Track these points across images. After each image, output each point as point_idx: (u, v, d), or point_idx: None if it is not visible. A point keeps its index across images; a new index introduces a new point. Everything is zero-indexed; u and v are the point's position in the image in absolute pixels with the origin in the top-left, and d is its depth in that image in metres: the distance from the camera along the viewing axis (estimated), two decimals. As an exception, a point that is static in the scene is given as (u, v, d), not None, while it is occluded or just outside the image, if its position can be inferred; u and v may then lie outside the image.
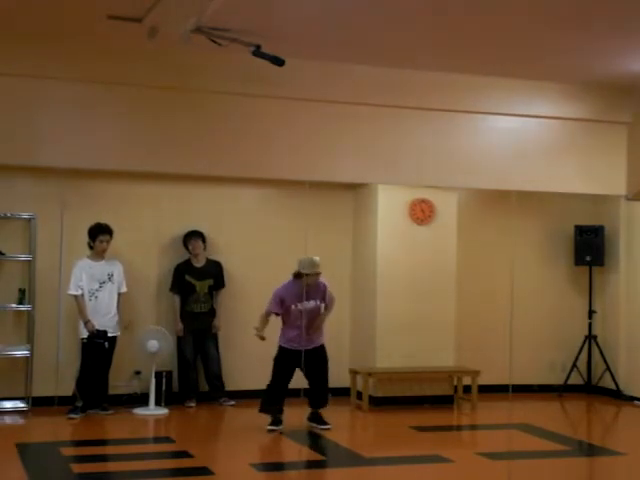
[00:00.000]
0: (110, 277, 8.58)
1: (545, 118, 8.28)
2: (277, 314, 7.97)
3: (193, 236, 9.17)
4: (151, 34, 6.24)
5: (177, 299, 9.17)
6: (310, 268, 7.89)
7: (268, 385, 7.99)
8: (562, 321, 10.43)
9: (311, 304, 7.97)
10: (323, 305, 8.06)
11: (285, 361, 7.94)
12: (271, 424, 7.88)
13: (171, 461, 7.05)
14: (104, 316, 8.48)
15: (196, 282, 9.16)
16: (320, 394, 8.09)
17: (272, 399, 7.94)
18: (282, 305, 7.91)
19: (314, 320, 7.99)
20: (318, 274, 7.94)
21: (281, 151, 7.54)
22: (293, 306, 7.90)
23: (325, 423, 8.05)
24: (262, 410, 7.97)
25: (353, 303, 9.74)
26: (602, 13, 6.26)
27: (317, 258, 7.97)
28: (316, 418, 8.07)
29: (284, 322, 7.99)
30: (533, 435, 8.15)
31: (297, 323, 7.90)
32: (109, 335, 8.46)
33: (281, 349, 7.98)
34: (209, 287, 9.23)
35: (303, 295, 7.92)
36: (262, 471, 6.66)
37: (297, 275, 7.94)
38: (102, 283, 8.54)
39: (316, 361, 8.02)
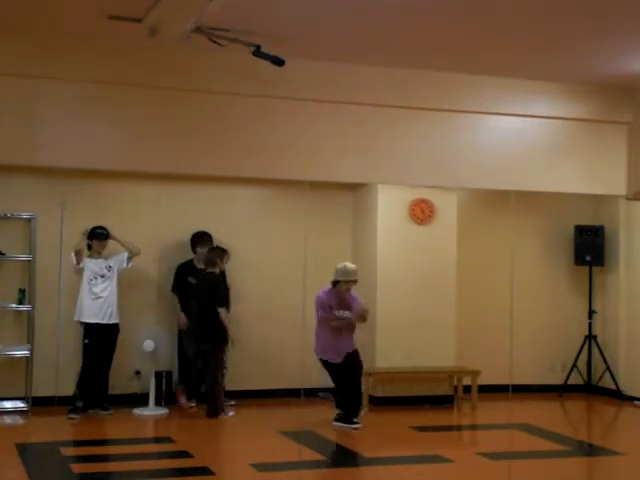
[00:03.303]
0: (109, 269, 8.60)
1: (545, 118, 8.27)
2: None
3: (201, 242, 9.11)
4: (151, 34, 6.23)
5: (176, 298, 9.16)
6: (342, 276, 8.14)
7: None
8: (562, 321, 10.43)
9: (341, 314, 8.25)
10: (351, 316, 8.27)
11: (327, 370, 8.33)
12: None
13: (171, 461, 7.05)
14: (106, 312, 8.50)
15: (198, 284, 9.16)
16: (354, 402, 8.29)
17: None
18: (328, 307, 8.22)
19: (344, 331, 8.24)
20: (348, 282, 8.16)
21: (281, 151, 7.53)
22: (337, 313, 8.21)
23: (354, 422, 8.21)
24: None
25: (353, 303, 9.74)
26: (602, 13, 6.25)
27: (352, 266, 8.24)
28: (343, 418, 8.24)
29: (321, 328, 8.26)
30: (533, 435, 8.16)
31: (334, 329, 8.20)
32: (112, 323, 8.55)
33: (320, 361, 8.35)
34: (210, 288, 9.23)
35: (338, 303, 8.23)
36: (262, 471, 6.66)
37: (334, 282, 8.22)
38: (102, 277, 8.56)
39: (351, 368, 8.27)
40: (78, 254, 8.51)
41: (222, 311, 8.45)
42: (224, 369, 8.69)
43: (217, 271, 8.61)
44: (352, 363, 8.27)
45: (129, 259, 8.69)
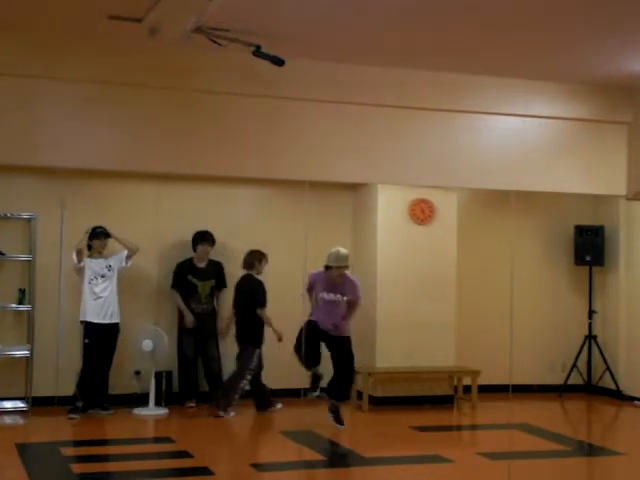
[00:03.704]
0: (109, 268, 8.60)
1: (545, 118, 8.27)
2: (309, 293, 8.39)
3: (203, 241, 9.13)
4: (151, 34, 6.23)
5: (177, 296, 9.17)
6: (334, 261, 8.13)
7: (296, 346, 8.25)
8: (562, 321, 10.43)
9: (331, 297, 8.19)
10: (344, 300, 8.21)
11: (310, 331, 8.11)
12: (311, 389, 8.16)
13: (171, 461, 7.05)
14: (107, 312, 8.51)
15: (198, 282, 9.16)
16: (339, 386, 8.24)
17: (305, 358, 8.12)
18: (312, 288, 8.30)
19: (332, 313, 8.17)
20: (340, 268, 8.14)
21: (281, 151, 7.53)
22: (320, 294, 8.22)
23: (340, 422, 8.15)
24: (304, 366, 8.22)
25: (353, 303, 9.74)
26: (602, 13, 6.25)
27: (344, 252, 8.22)
28: (335, 412, 8.19)
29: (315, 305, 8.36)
30: (533, 435, 8.16)
31: (321, 311, 8.20)
32: (112, 322, 8.55)
33: (308, 322, 8.20)
34: (211, 288, 9.23)
35: (328, 286, 8.20)
36: (262, 471, 6.66)
37: (326, 267, 8.20)
38: (102, 277, 8.56)
39: (339, 350, 8.25)
40: (79, 253, 8.52)
41: (262, 312, 8.69)
42: (249, 371, 8.68)
43: (255, 273, 8.81)
44: (340, 349, 8.24)
45: (128, 258, 8.70)
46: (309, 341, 8.10)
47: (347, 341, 8.29)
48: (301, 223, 8.89)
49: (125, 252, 8.68)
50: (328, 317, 8.18)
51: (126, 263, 8.70)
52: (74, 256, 8.52)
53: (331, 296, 8.19)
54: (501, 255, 9.73)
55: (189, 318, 9.10)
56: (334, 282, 8.18)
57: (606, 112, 8.39)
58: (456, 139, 8.01)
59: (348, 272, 8.29)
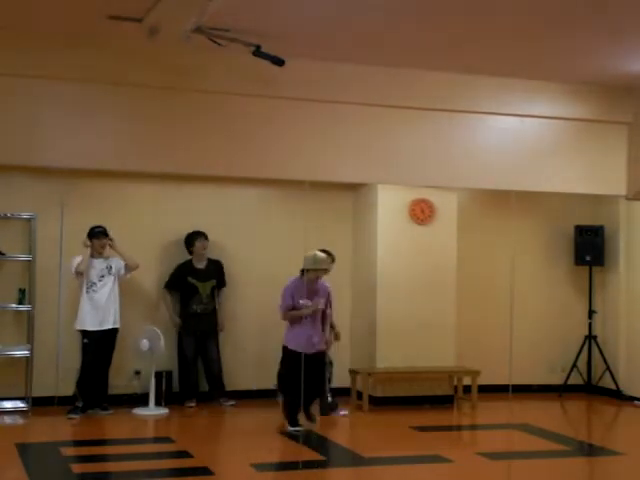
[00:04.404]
0: (109, 269, 8.60)
1: (545, 118, 8.27)
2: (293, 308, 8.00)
3: (199, 236, 9.16)
4: (151, 34, 6.23)
5: (168, 297, 9.18)
6: (312, 264, 7.97)
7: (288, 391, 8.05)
8: (562, 321, 10.43)
9: (305, 302, 8.01)
10: (325, 308, 8.09)
11: (292, 364, 7.92)
12: (291, 425, 7.95)
13: (171, 461, 7.05)
14: (108, 320, 8.50)
15: (199, 283, 9.16)
16: (315, 397, 8.22)
17: (291, 404, 7.97)
18: (293, 299, 7.98)
19: (315, 321, 8.02)
20: (318, 271, 7.98)
21: (281, 151, 7.53)
22: (301, 301, 7.97)
23: (312, 419, 8.12)
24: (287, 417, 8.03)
25: (353, 303, 9.75)
26: (602, 13, 6.25)
27: (323, 255, 8.07)
28: (307, 411, 8.13)
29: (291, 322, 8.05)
30: (533, 435, 8.16)
31: (302, 321, 7.97)
32: (109, 328, 8.53)
33: (287, 352, 8.02)
34: (211, 288, 9.23)
35: (308, 293, 7.99)
36: (262, 471, 6.66)
37: (302, 271, 8.04)
38: (101, 277, 8.55)
39: (318, 368, 8.11)
40: (79, 274, 8.52)
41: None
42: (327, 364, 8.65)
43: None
44: (319, 366, 8.12)
45: (127, 270, 8.69)
46: (296, 385, 7.76)
47: (324, 355, 8.23)
48: (301, 223, 8.89)
49: (122, 265, 8.68)
50: (313, 329, 7.98)
51: (125, 272, 8.68)
52: (73, 271, 8.52)
53: (305, 301, 7.97)
54: (501, 255, 9.73)
55: (175, 320, 9.14)
56: (312, 288, 7.99)
57: (606, 112, 8.38)
58: (456, 139, 8.00)
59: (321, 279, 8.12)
